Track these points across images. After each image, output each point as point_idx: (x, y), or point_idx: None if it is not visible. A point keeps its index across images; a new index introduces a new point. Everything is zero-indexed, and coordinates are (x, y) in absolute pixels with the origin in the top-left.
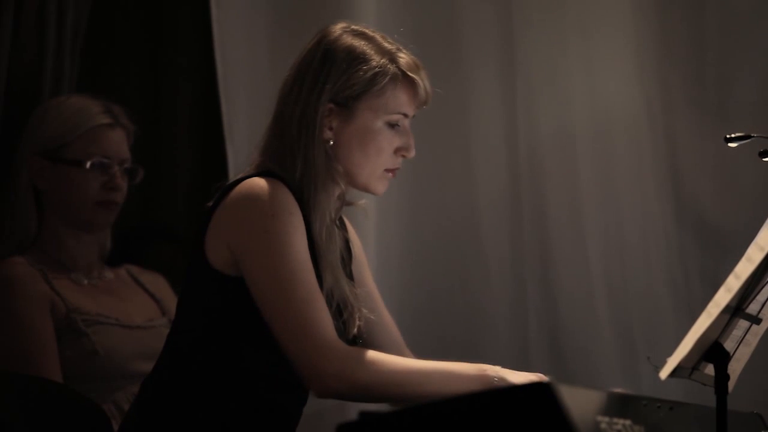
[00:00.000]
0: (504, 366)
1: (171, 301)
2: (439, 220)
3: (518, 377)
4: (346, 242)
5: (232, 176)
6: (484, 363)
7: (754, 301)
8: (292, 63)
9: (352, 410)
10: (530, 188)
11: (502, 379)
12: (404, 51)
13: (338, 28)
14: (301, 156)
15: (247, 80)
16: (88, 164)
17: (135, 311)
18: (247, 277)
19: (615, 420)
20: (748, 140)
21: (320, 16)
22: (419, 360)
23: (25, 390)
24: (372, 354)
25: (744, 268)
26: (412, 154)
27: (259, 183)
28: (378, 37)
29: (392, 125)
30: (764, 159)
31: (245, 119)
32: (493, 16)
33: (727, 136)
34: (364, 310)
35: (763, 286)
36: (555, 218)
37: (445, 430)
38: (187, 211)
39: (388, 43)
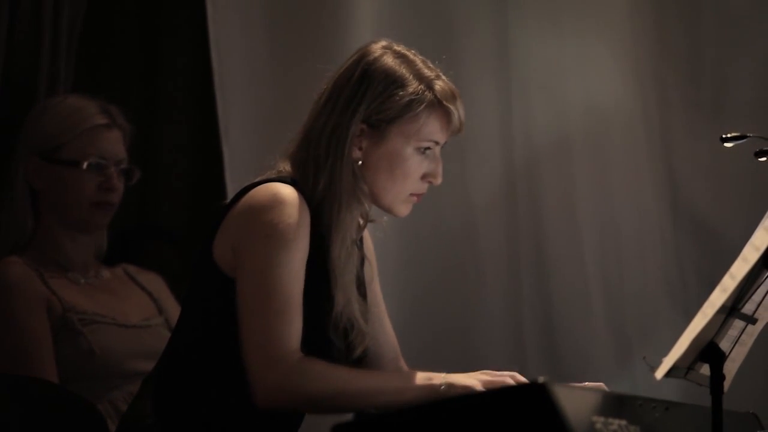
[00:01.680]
0: (500, 365)
1: (168, 300)
2: (435, 221)
3: (466, 380)
4: (362, 259)
5: (228, 175)
6: (479, 366)
7: (750, 301)
8: (330, 75)
9: None
10: (526, 187)
11: (449, 385)
12: (443, 78)
13: (379, 47)
14: (327, 171)
15: (244, 80)
16: (85, 165)
17: (132, 310)
18: (237, 278)
19: (610, 420)
20: (744, 140)
21: (317, 16)
22: (368, 372)
23: (21, 390)
24: (319, 366)
25: (739, 268)
26: (438, 181)
27: (274, 189)
28: (418, 61)
29: (422, 151)
30: (760, 159)
31: (241, 119)
32: (489, 17)
33: (723, 136)
34: (369, 333)
35: (758, 287)
36: (551, 217)
37: (441, 431)
38: (183, 210)
39: (428, 68)
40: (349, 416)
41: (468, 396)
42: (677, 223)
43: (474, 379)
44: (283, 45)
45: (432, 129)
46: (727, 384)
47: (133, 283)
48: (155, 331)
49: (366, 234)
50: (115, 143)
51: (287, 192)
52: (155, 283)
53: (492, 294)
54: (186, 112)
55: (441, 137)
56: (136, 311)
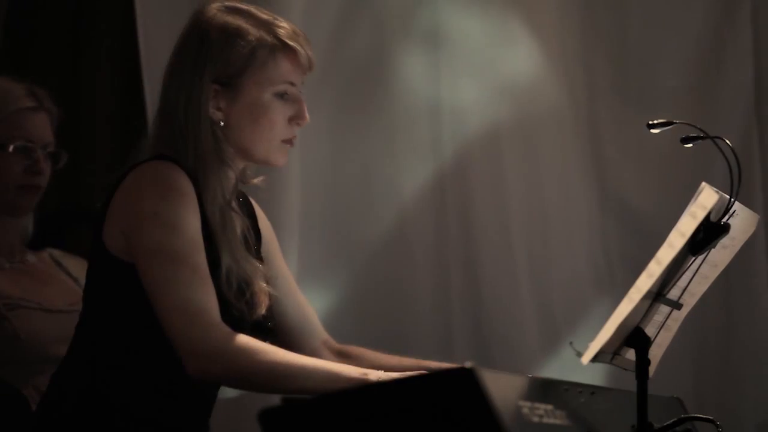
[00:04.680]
0: (428, 353)
1: None
2: (363, 208)
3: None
4: (255, 223)
5: None
6: (406, 352)
7: (675, 286)
8: (172, 50)
9: (275, 396)
10: (455, 175)
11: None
12: (281, 20)
13: (212, 7)
14: (191, 140)
15: None
16: (11, 148)
17: (57, 295)
18: (136, 259)
19: (537, 405)
20: (670, 126)
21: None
22: (303, 356)
23: None
24: (254, 342)
25: (665, 254)
26: (305, 119)
27: (151, 166)
28: (253, 9)
29: (280, 95)
30: (686, 145)
31: None
32: (418, 8)
33: (650, 122)
34: (269, 288)
35: (683, 272)
36: (479, 204)
37: (368, 416)
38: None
39: (264, 14)
40: (276, 401)
41: (395, 381)
42: (604, 209)
43: None
44: None
45: (282, 71)
46: (652, 369)
47: (59, 267)
48: None
49: (260, 211)
50: (42, 126)
51: (164, 164)
52: (80, 267)
53: (420, 281)
54: (113, 94)
55: (294, 77)
56: (61, 296)
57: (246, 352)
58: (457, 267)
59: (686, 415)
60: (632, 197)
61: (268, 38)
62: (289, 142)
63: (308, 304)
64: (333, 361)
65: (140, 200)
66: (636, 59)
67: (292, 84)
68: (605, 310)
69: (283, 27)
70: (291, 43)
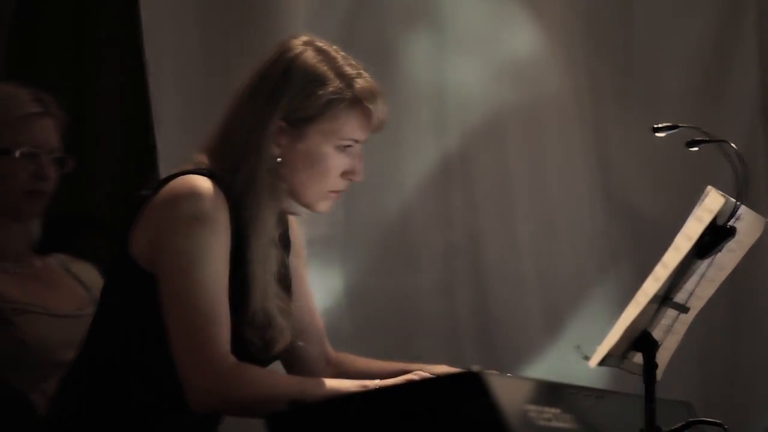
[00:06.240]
0: (434, 354)
1: (100, 290)
2: (368, 209)
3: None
4: (286, 231)
5: (161, 164)
6: (413, 354)
7: (682, 290)
8: (251, 70)
9: None
10: (460, 177)
11: None
12: (364, 76)
13: (300, 43)
14: (245, 168)
15: (176, 67)
16: (18, 153)
17: (64, 300)
18: (158, 277)
19: (544, 409)
20: (676, 130)
21: (249, 6)
22: (301, 378)
23: None
24: (250, 370)
25: (672, 258)
26: (358, 178)
27: (193, 182)
28: (339, 58)
29: (342, 149)
30: (691, 149)
31: (174, 107)
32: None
33: (655, 126)
34: (288, 329)
35: (690, 276)
36: (485, 207)
37: (375, 419)
38: (114, 199)
39: (349, 66)
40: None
41: (402, 385)
42: (610, 213)
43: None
44: (217, 30)
45: (352, 128)
46: (659, 373)
47: (66, 272)
48: (87, 321)
49: (294, 223)
50: (48, 132)
51: (206, 185)
52: (89, 273)
53: (426, 283)
54: (118, 99)
55: (361, 135)
56: (68, 301)
57: (241, 384)
58: (464, 269)
59: (694, 419)
60: (638, 201)
61: (347, 93)
62: (336, 193)
63: (320, 324)
64: (329, 371)
65: (173, 217)
66: (641, 63)
67: (356, 141)
68: (612, 313)
69: (364, 85)
70: (367, 104)
